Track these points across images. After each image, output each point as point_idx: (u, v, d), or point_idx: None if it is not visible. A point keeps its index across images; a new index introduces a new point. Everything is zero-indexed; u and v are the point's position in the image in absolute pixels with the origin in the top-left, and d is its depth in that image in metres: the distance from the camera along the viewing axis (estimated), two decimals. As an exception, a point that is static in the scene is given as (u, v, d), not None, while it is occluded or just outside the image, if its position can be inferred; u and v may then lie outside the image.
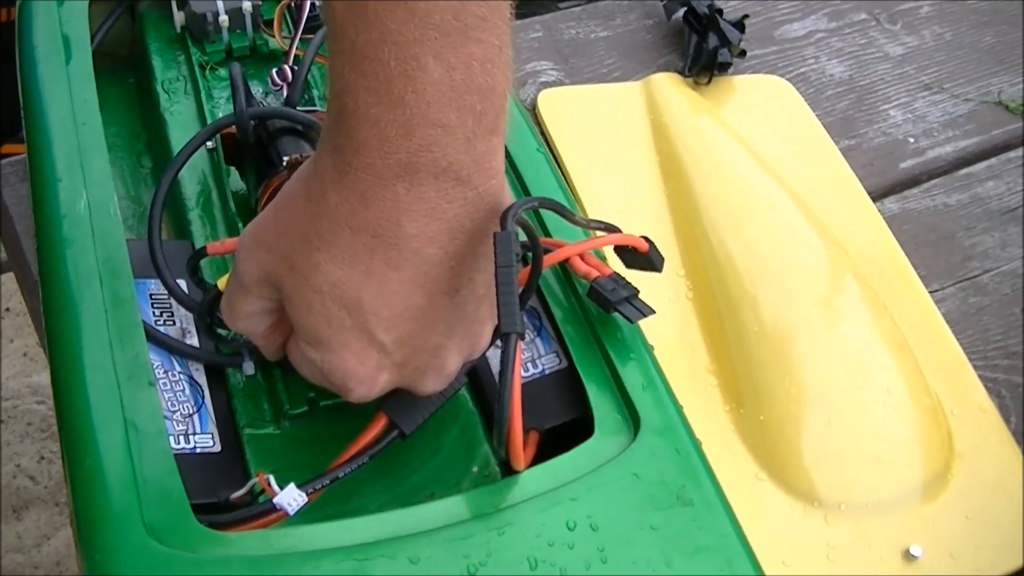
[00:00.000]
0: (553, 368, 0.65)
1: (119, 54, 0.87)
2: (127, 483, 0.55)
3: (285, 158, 0.68)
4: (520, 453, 0.56)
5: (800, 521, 0.73)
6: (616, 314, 0.64)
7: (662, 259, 0.68)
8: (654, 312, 0.64)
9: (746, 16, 1.00)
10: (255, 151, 0.71)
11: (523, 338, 0.60)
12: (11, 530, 1.66)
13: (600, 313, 0.65)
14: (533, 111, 0.95)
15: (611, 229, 0.66)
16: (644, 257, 0.67)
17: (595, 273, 0.64)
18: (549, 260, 0.64)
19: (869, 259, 0.87)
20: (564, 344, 0.65)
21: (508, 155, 0.69)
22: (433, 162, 0.51)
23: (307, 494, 0.57)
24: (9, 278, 1.82)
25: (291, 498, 0.56)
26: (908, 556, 0.72)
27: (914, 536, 0.73)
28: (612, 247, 0.68)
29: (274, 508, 0.56)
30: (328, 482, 0.58)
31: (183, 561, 0.53)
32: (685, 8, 1.01)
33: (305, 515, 0.57)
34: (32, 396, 1.77)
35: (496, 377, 0.65)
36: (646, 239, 0.67)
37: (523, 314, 0.55)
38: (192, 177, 0.76)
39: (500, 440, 0.55)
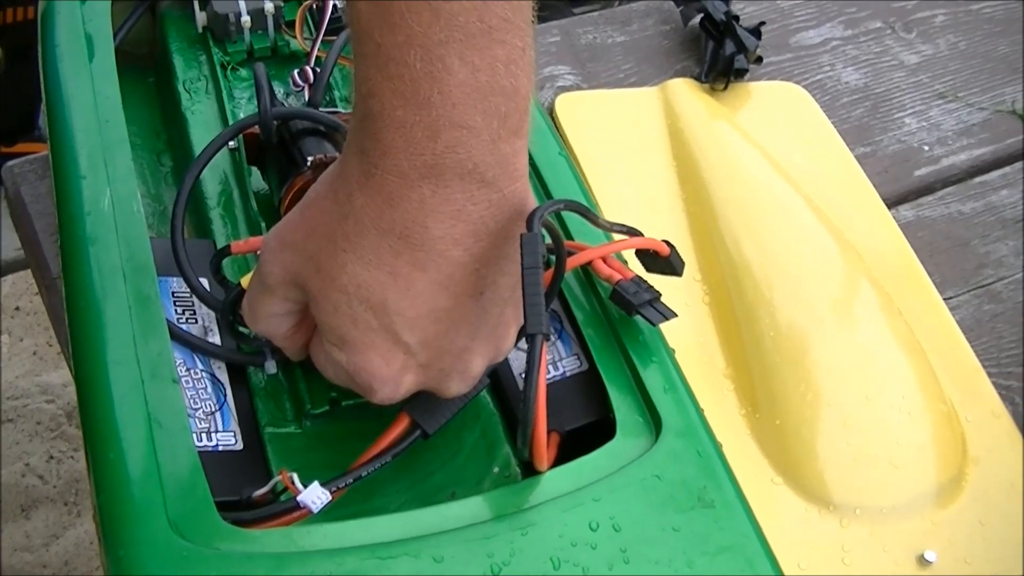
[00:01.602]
0: (574, 370, 0.65)
1: (139, 54, 0.88)
2: (151, 479, 0.55)
3: (309, 159, 0.68)
4: (544, 454, 0.57)
5: (815, 525, 0.73)
6: (638, 317, 0.65)
7: (682, 263, 0.68)
8: (676, 315, 0.65)
9: (762, 23, 1.00)
10: (278, 151, 0.71)
11: (548, 339, 0.61)
12: (19, 529, 1.66)
13: (621, 316, 0.65)
14: (550, 115, 0.95)
15: (633, 232, 0.67)
16: (665, 261, 0.67)
17: (617, 276, 0.65)
18: (572, 262, 0.65)
19: (884, 266, 0.87)
20: (585, 346, 0.65)
21: (531, 159, 0.70)
22: (459, 164, 0.52)
23: (331, 492, 0.57)
24: (18, 277, 1.83)
25: (315, 496, 0.56)
26: (922, 561, 0.72)
27: (928, 541, 0.73)
28: (633, 250, 0.68)
29: (298, 506, 0.56)
30: (352, 481, 0.58)
31: (208, 558, 0.53)
32: (702, 14, 1.01)
33: (326, 514, 0.58)
34: (42, 395, 1.77)
35: (518, 379, 0.66)
36: (667, 243, 0.67)
37: (548, 315, 0.55)
38: (213, 177, 0.76)
39: (524, 440, 0.55)
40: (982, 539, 0.74)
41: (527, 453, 0.57)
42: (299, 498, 0.56)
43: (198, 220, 0.75)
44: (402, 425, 0.61)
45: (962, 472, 0.77)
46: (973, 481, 0.76)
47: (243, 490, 0.59)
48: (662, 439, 0.59)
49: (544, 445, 0.56)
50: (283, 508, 0.57)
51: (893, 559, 0.73)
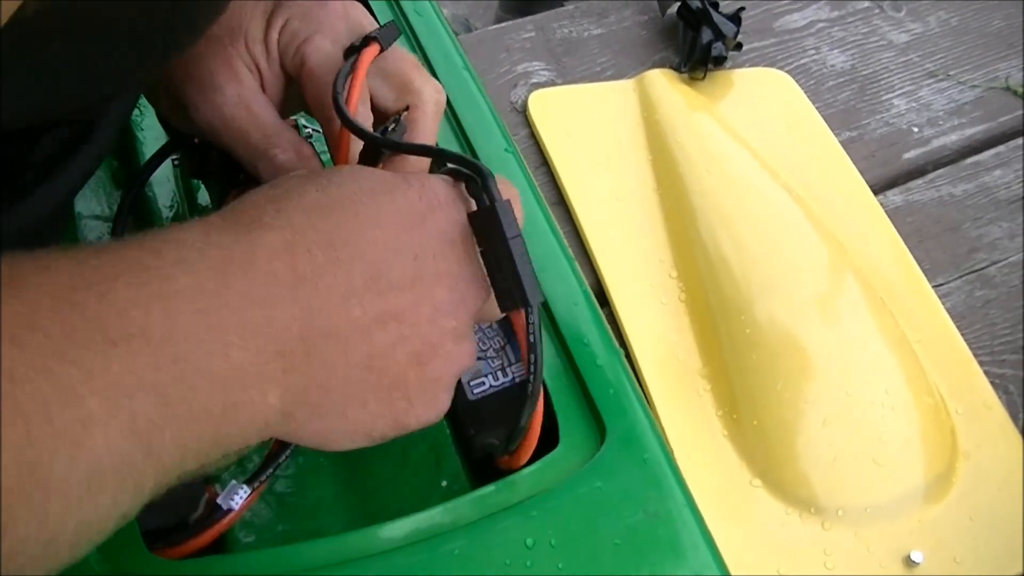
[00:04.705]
0: (523, 376, 0.63)
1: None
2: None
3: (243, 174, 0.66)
4: (532, 446, 0.55)
5: (796, 528, 0.70)
6: None
7: None
8: None
9: (742, 8, 0.97)
10: (219, 163, 0.69)
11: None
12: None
13: (567, 319, 0.62)
14: (524, 113, 0.92)
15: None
16: None
17: None
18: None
19: (871, 255, 0.84)
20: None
21: (477, 157, 0.68)
22: None
23: (252, 488, 0.54)
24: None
25: (232, 495, 0.53)
26: (909, 562, 0.69)
27: (915, 541, 0.70)
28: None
29: (223, 512, 0.53)
30: (271, 471, 0.55)
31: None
32: (679, 3, 0.98)
33: (265, 536, 0.55)
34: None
35: (466, 387, 0.63)
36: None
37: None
38: (164, 192, 0.74)
39: (526, 420, 0.53)
40: (972, 537, 0.71)
41: (515, 445, 0.55)
42: (218, 500, 0.53)
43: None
44: None
45: (951, 467, 0.73)
46: (963, 476, 0.73)
47: (172, 515, 0.56)
48: (606, 447, 0.57)
49: (536, 436, 0.54)
50: (207, 519, 0.54)
51: (878, 561, 0.69)
